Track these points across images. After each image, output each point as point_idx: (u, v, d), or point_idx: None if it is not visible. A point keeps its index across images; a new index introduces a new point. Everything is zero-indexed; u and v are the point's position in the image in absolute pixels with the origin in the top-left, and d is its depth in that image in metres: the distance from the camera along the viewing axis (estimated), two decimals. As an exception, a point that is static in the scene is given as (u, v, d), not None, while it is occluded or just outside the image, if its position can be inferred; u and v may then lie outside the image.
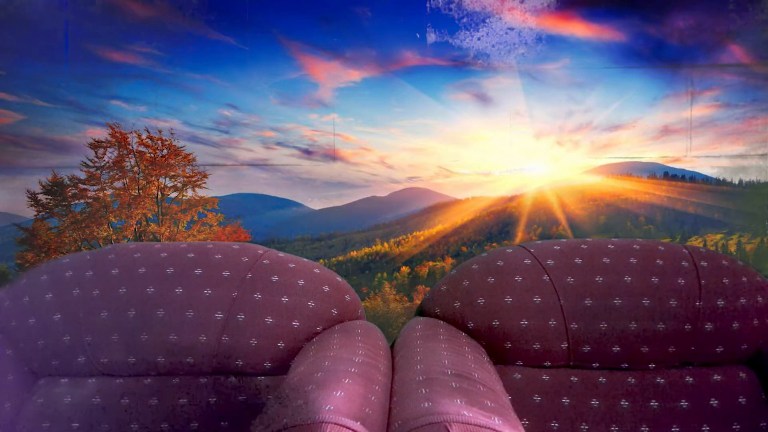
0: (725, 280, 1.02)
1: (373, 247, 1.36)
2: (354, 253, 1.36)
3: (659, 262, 1.04)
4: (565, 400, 1.00)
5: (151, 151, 1.34)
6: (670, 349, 1.00)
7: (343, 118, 1.32)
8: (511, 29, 1.31)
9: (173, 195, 1.35)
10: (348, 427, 0.59)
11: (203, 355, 0.99)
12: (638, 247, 1.07)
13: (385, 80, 1.32)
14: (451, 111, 1.32)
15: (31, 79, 1.32)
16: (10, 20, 1.29)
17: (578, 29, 1.32)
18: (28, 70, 1.31)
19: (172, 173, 1.34)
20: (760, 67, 1.34)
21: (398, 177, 1.33)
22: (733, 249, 1.38)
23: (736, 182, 1.38)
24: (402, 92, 1.31)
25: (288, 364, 0.95)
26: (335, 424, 0.58)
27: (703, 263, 1.04)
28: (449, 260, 1.36)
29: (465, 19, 1.32)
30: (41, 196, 1.33)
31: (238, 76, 1.32)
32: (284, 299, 1.01)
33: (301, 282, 1.05)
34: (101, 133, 1.33)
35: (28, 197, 1.33)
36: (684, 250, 1.07)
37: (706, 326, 0.99)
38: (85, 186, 1.34)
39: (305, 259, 1.14)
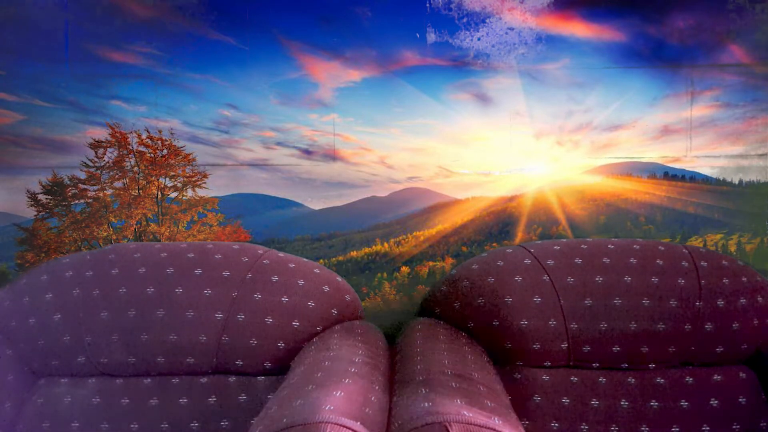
0: (725, 280, 1.02)
1: (373, 247, 1.36)
2: (354, 253, 1.36)
3: (659, 262, 1.04)
4: (565, 400, 1.00)
5: (151, 151, 1.34)
6: (670, 349, 1.00)
7: (343, 118, 1.32)
8: (511, 29, 1.31)
9: (173, 195, 1.35)
10: (348, 427, 0.59)
11: (203, 355, 0.99)
12: (638, 247, 1.07)
13: (385, 80, 1.32)
14: (451, 111, 1.32)
15: (31, 79, 1.32)
16: (10, 20, 1.29)
17: (578, 29, 1.32)
18: (28, 70, 1.31)
19: (172, 173, 1.34)
20: (760, 67, 1.34)
21: (398, 177, 1.33)
22: (733, 249, 1.38)
23: (736, 182, 1.38)
24: (402, 92, 1.31)
25: (288, 364, 0.95)
26: (335, 424, 0.58)
27: (703, 263, 1.04)
28: (449, 260, 1.36)
29: (465, 19, 1.32)
30: (41, 196, 1.33)
31: (238, 76, 1.32)
32: (284, 299, 1.01)
33: (301, 282, 1.05)
34: (101, 133, 1.33)
35: (28, 197, 1.33)
36: (684, 250, 1.07)
37: (706, 326, 0.99)
38: (85, 186, 1.34)
39: (305, 259, 1.14)
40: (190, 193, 1.35)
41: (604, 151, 1.35)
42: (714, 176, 1.38)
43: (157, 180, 1.35)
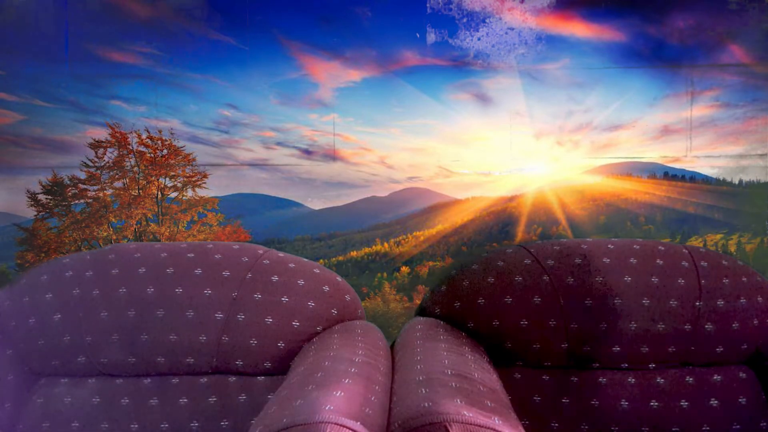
0: (725, 280, 1.02)
1: (373, 247, 1.36)
2: (354, 253, 1.36)
3: (659, 262, 1.04)
4: (565, 400, 1.00)
5: (151, 151, 1.34)
6: (670, 349, 1.00)
7: (343, 118, 1.32)
8: (511, 29, 1.30)
9: (173, 195, 1.35)
10: (348, 427, 0.59)
11: (203, 355, 0.98)
12: (638, 247, 1.07)
13: (385, 80, 1.31)
14: (451, 111, 1.32)
15: (31, 79, 1.32)
16: (10, 20, 1.29)
17: (578, 29, 1.31)
18: (28, 70, 1.31)
19: (172, 173, 1.33)
20: (760, 67, 1.34)
21: (398, 177, 1.33)
22: (733, 249, 1.38)
23: (736, 182, 1.38)
24: (402, 92, 1.31)
25: (288, 364, 0.95)
26: (335, 424, 0.58)
27: (703, 263, 1.04)
28: (449, 260, 1.36)
29: (465, 19, 1.32)
30: (41, 196, 1.33)
31: (238, 76, 1.32)
32: (284, 299, 1.01)
33: (301, 282, 1.05)
34: (101, 133, 1.33)
35: (28, 197, 1.33)
36: (684, 250, 1.07)
37: (706, 326, 0.99)
38: (85, 186, 1.34)
39: (305, 259, 1.14)
40: (190, 193, 1.35)
41: (604, 151, 1.35)
42: (714, 176, 1.37)
43: (157, 180, 1.35)
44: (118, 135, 1.33)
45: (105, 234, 1.32)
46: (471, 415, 0.61)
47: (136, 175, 1.33)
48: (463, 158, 1.32)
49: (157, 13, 1.30)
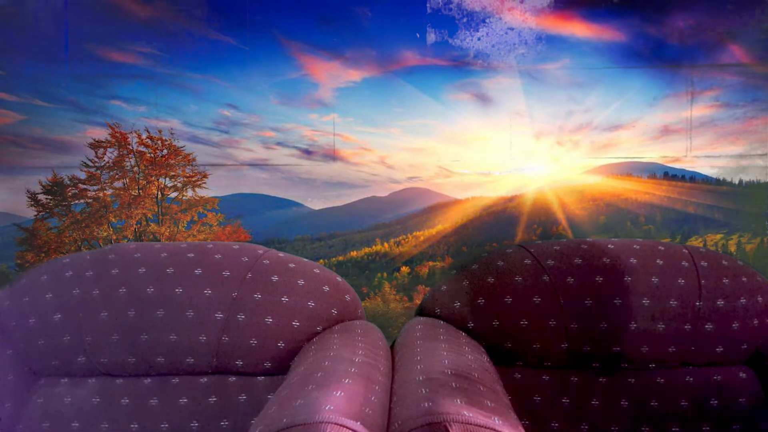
0: (725, 280, 1.02)
1: (373, 247, 1.36)
2: (354, 253, 1.36)
3: (659, 262, 1.04)
4: (565, 400, 1.00)
5: (151, 151, 1.34)
6: (670, 349, 1.00)
7: (343, 118, 1.32)
8: (511, 29, 1.30)
9: (173, 195, 1.35)
10: (348, 427, 0.59)
11: (203, 355, 0.98)
12: (638, 247, 1.07)
13: (385, 80, 1.31)
14: (451, 111, 1.32)
15: (31, 79, 1.32)
16: (10, 20, 1.29)
17: (578, 29, 1.31)
18: (28, 70, 1.31)
19: (172, 173, 1.33)
20: (760, 67, 1.34)
21: (398, 177, 1.33)
22: (733, 249, 1.38)
23: (736, 182, 1.38)
24: (402, 92, 1.31)
25: (288, 364, 0.95)
26: (335, 424, 0.58)
27: (703, 263, 1.04)
28: (449, 260, 1.36)
29: (465, 19, 1.32)
30: (41, 196, 1.33)
31: (238, 76, 1.32)
32: (284, 299, 1.01)
33: (301, 282, 1.05)
34: (101, 133, 1.33)
35: (28, 197, 1.33)
36: (684, 250, 1.07)
37: (706, 326, 0.99)
38: (85, 186, 1.34)
39: (305, 259, 1.14)
40: (190, 193, 1.35)
41: (604, 151, 1.35)
42: (714, 176, 1.37)
43: (157, 180, 1.35)
44: (118, 135, 1.33)
45: (105, 234, 1.32)
46: (471, 415, 0.61)
47: (136, 175, 1.33)
48: (463, 158, 1.32)
49: (157, 13, 1.30)
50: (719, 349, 1.00)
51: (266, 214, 1.35)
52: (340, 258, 1.36)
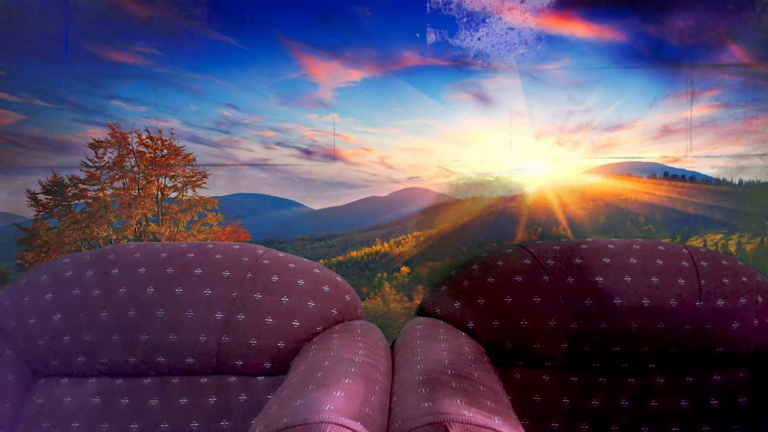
0: (725, 280, 1.02)
1: (373, 247, 1.36)
2: (354, 253, 1.36)
3: (659, 262, 1.04)
4: (565, 400, 1.00)
5: (151, 151, 1.34)
6: (670, 349, 1.00)
7: (343, 118, 1.32)
8: (511, 29, 1.30)
9: (173, 195, 1.35)
10: (348, 427, 0.59)
11: (203, 355, 0.98)
12: (638, 247, 1.07)
13: (385, 80, 1.31)
14: (451, 111, 1.32)
15: (31, 79, 1.32)
16: (10, 20, 1.29)
17: (578, 29, 1.31)
18: (28, 70, 1.31)
19: (172, 173, 1.34)
20: (760, 67, 1.34)
21: (398, 177, 1.33)
22: (733, 249, 1.38)
23: (736, 182, 1.38)
24: (402, 92, 1.31)
25: (288, 364, 0.95)
26: (335, 424, 0.58)
27: (703, 263, 1.04)
28: (449, 260, 1.35)
29: (465, 19, 1.32)
30: (41, 196, 1.32)
31: (238, 76, 1.32)
32: (284, 299, 1.01)
33: (301, 282, 1.05)
34: (101, 133, 1.33)
35: (28, 197, 1.33)
36: (684, 250, 1.07)
37: (706, 326, 0.99)
38: (85, 186, 1.34)
39: (305, 259, 1.14)
40: (190, 193, 1.35)
41: (604, 151, 1.35)
42: (714, 176, 1.37)
43: (157, 180, 1.35)
44: (118, 135, 1.33)
45: (105, 234, 1.32)
46: (471, 415, 0.61)
47: (136, 175, 1.33)
48: (463, 158, 1.32)
49: (157, 13, 1.30)
50: (719, 349, 1.00)
51: (266, 214, 1.35)
52: (340, 258, 1.36)
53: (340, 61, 1.30)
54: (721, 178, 1.37)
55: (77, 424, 0.96)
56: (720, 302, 1.00)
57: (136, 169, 1.31)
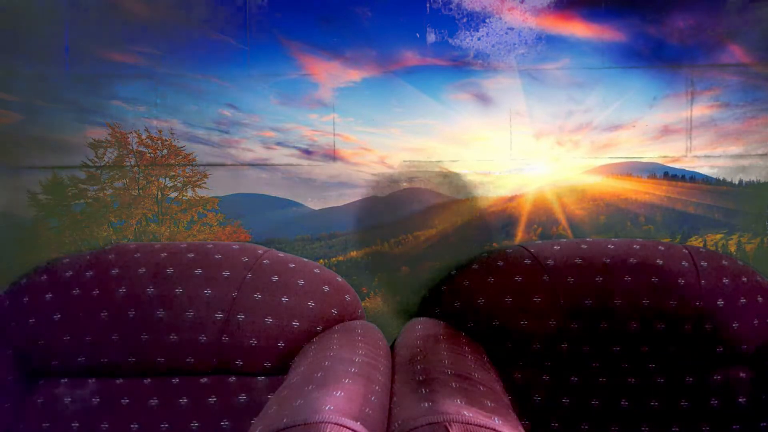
0: (725, 280, 1.02)
1: (373, 247, 1.36)
2: (354, 253, 1.36)
3: (659, 262, 1.04)
4: (565, 400, 1.00)
5: (151, 151, 1.34)
6: (670, 349, 1.00)
7: (343, 118, 1.32)
8: (511, 29, 1.31)
9: (173, 195, 1.35)
10: (348, 427, 0.59)
11: (203, 355, 0.99)
12: (638, 247, 1.07)
13: (385, 80, 1.32)
14: (451, 111, 1.32)
15: (31, 79, 1.32)
16: (10, 20, 1.29)
17: (578, 29, 1.32)
18: (28, 70, 1.31)
19: (172, 173, 1.34)
20: (760, 67, 1.34)
21: (398, 177, 1.33)
22: (733, 249, 1.38)
23: (736, 182, 1.38)
24: (402, 92, 1.31)
25: (288, 364, 0.95)
26: (335, 424, 0.58)
27: (703, 263, 1.04)
28: (449, 260, 1.35)
29: (465, 19, 1.32)
30: (41, 196, 1.33)
31: (238, 76, 1.32)
32: (284, 299, 1.01)
33: (301, 282, 1.05)
34: (101, 133, 1.34)
35: (28, 197, 1.33)
36: (684, 250, 1.07)
37: (706, 326, 0.99)
38: (85, 186, 1.34)
39: (305, 259, 1.14)
40: (190, 193, 1.35)
41: (604, 151, 1.35)
42: (714, 176, 1.38)
43: (157, 180, 1.35)
44: (118, 135, 1.33)
45: (105, 234, 1.33)
46: (471, 415, 0.61)
47: (136, 175, 1.33)
48: (463, 158, 1.32)
49: (157, 13, 1.30)
50: (719, 349, 1.00)
51: (266, 214, 1.35)
52: (340, 258, 1.36)
53: (340, 61, 1.30)
54: (721, 178, 1.37)
55: (77, 424, 0.97)
56: (720, 302, 1.00)
57: (136, 169, 1.31)
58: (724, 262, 1.05)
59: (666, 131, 1.35)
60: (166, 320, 0.99)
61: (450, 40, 1.33)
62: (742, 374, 1.01)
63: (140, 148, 1.35)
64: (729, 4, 1.31)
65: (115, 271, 1.03)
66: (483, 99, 1.33)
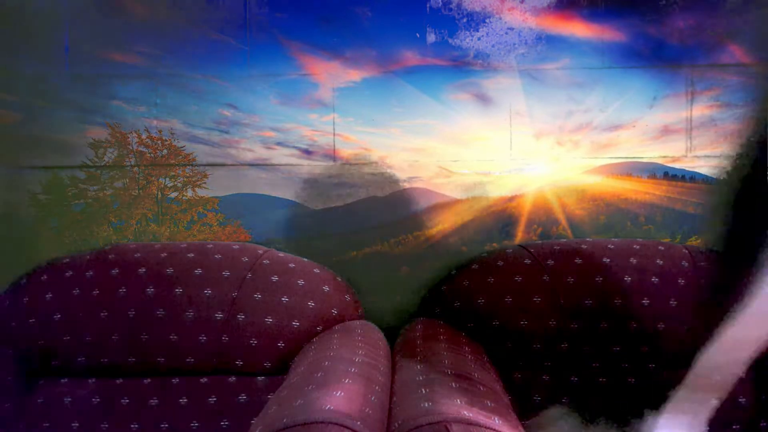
0: (725, 280, 1.02)
1: (373, 247, 1.36)
2: (354, 253, 1.36)
3: (659, 262, 1.04)
4: (565, 400, 1.00)
5: (151, 151, 1.34)
6: (669, 349, 1.00)
7: (343, 118, 1.32)
8: (511, 29, 1.31)
9: (173, 195, 1.35)
10: (348, 427, 0.59)
11: (203, 355, 0.99)
12: (638, 247, 1.07)
13: (385, 80, 1.32)
14: (451, 111, 1.32)
15: (31, 79, 1.32)
16: (10, 20, 1.29)
17: (578, 29, 1.32)
18: (28, 70, 1.31)
19: (172, 173, 1.34)
20: (760, 67, 1.34)
21: (398, 177, 1.33)
22: (733, 249, 1.37)
23: (736, 182, 1.37)
24: (402, 92, 1.31)
25: (288, 364, 0.95)
26: (335, 423, 0.58)
27: (703, 263, 1.04)
28: (449, 260, 1.35)
29: (465, 19, 1.32)
30: (41, 196, 1.33)
31: (238, 76, 1.32)
32: (284, 299, 1.01)
33: (301, 282, 1.05)
34: (101, 133, 1.34)
35: (28, 197, 1.33)
36: (684, 250, 1.07)
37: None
38: (85, 186, 1.34)
39: (305, 259, 1.14)
40: (190, 193, 1.35)
41: (604, 151, 1.35)
42: (714, 176, 1.38)
43: (157, 180, 1.35)
44: (118, 135, 1.33)
45: (105, 234, 1.33)
46: (471, 415, 0.61)
47: (136, 175, 1.33)
48: (463, 158, 1.32)
49: (157, 13, 1.30)
50: (719, 349, 1.00)
51: (266, 214, 1.35)
52: (340, 258, 1.36)
53: (340, 61, 1.30)
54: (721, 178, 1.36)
55: (77, 424, 0.97)
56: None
57: (136, 169, 1.31)
58: (724, 262, 1.05)
59: (666, 131, 1.35)
60: (166, 320, 0.99)
61: (450, 40, 1.33)
62: (741, 374, 1.01)
63: (140, 148, 1.35)
64: (729, 4, 1.31)
65: (115, 271, 1.03)
66: (483, 99, 1.33)
